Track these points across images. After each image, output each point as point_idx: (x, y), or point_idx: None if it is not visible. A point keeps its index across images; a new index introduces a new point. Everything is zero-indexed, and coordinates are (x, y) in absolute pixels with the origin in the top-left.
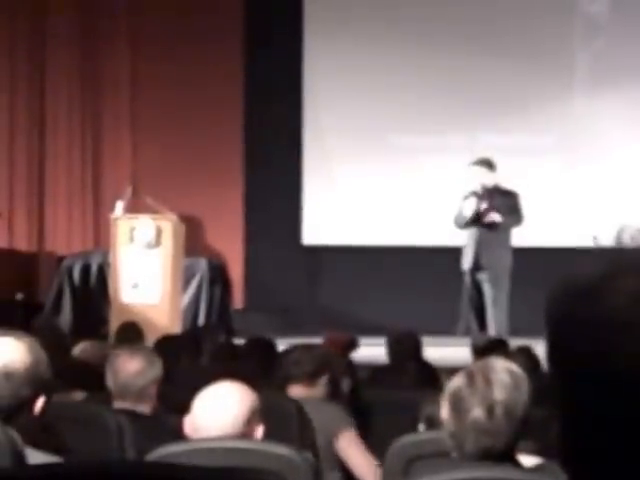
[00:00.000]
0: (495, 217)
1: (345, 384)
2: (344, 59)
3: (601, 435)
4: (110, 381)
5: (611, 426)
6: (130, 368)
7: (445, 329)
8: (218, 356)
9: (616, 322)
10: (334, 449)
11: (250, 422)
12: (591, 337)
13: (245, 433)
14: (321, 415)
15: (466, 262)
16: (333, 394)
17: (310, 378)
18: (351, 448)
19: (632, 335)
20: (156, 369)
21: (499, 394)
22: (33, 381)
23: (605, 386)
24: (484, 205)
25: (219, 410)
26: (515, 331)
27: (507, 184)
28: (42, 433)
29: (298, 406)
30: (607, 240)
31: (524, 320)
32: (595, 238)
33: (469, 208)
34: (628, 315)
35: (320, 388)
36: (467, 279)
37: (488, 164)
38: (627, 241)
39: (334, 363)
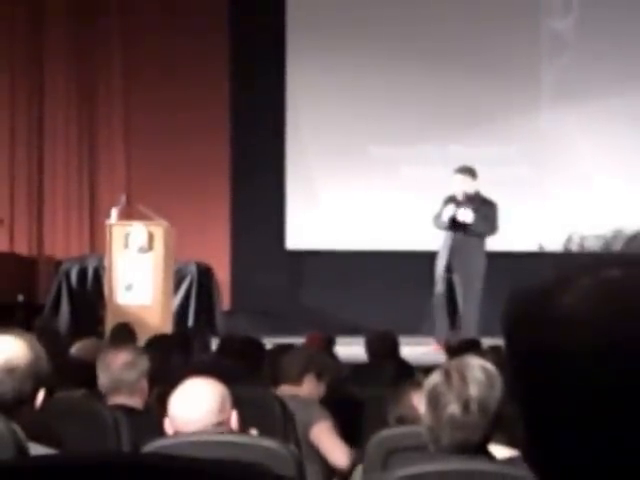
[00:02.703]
0: (467, 216)
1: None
2: (324, 75)
3: (559, 429)
4: (103, 378)
5: (566, 420)
6: (120, 362)
7: (422, 329)
8: (208, 355)
9: (568, 320)
10: (309, 440)
11: (223, 411)
12: (544, 335)
13: (220, 422)
14: (303, 411)
15: (440, 264)
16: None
17: (297, 378)
18: (323, 435)
19: (582, 331)
20: (144, 361)
21: (474, 391)
22: (34, 376)
23: (559, 384)
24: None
25: (192, 405)
26: (486, 331)
27: (480, 190)
28: (43, 427)
29: (282, 403)
30: (555, 247)
31: (495, 320)
32: (540, 246)
33: (447, 214)
34: (579, 313)
35: (306, 386)
36: (439, 280)
37: (470, 172)
38: (574, 247)
39: (319, 362)
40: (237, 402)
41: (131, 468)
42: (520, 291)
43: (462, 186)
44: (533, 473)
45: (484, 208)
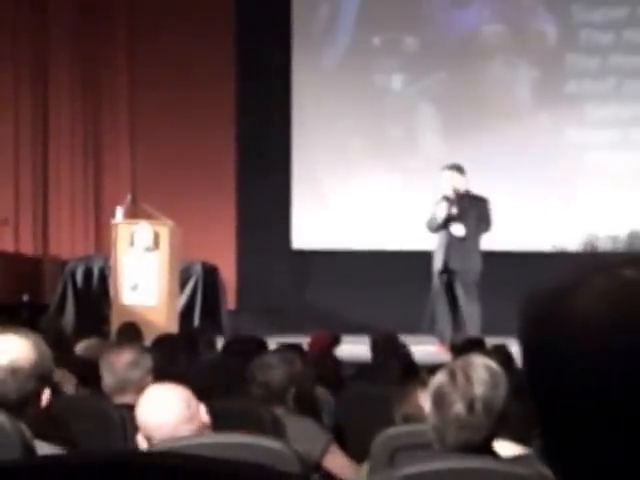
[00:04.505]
0: (459, 231)
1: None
2: (330, 75)
3: (573, 430)
4: (108, 378)
5: (578, 421)
6: (124, 361)
7: (422, 328)
8: (214, 354)
9: (581, 321)
10: (318, 463)
11: (189, 407)
12: (558, 337)
13: (191, 417)
14: (296, 430)
15: (437, 264)
16: (305, 407)
17: (276, 395)
18: (337, 461)
19: (596, 332)
20: (148, 360)
21: (479, 390)
22: (38, 376)
23: (573, 385)
24: (455, 209)
25: (161, 408)
26: (489, 330)
27: (481, 191)
28: (49, 426)
29: (273, 415)
30: (571, 247)
31: (498, 319)
32: (555, 246)
33: (441, 213)
34: (593, 314)
35: (288, 402)
36: (436, 280)
37: (458, 169)
38: (590, 248)
39: (300, 377)
40: (225, 412)
41: (139, 468)
42: (535, 293)
43: (451, 182)
44: (552, 472)
45: (477, 205)
